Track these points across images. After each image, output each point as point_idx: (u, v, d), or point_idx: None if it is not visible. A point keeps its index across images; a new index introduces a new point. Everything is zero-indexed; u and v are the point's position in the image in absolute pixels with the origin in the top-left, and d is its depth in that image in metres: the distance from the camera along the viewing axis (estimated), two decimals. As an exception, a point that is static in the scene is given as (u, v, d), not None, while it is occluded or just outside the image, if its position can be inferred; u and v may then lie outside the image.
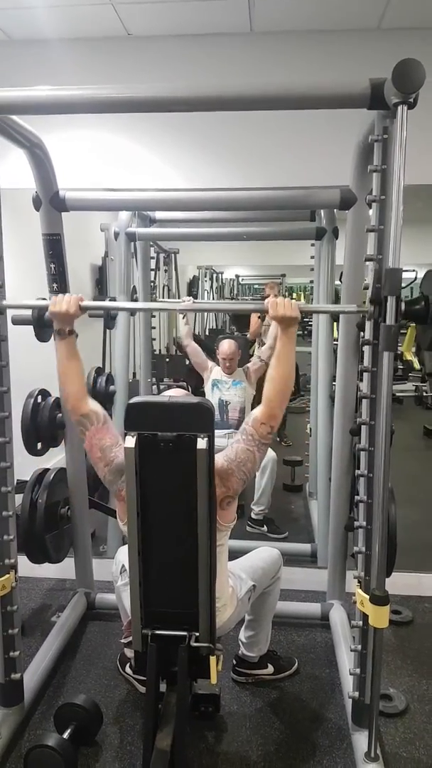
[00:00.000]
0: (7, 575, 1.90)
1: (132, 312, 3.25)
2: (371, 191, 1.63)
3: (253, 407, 3.61)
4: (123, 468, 1.75)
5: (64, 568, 2.71)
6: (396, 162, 1.45)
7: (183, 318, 3.78)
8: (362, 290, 1.94)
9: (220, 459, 1.68)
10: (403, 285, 1.49)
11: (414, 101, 1.43)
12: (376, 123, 1.58)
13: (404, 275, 1.50)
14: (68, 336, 1.82)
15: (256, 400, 3.67)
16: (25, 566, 2.29)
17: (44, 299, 1.98)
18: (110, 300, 3.21)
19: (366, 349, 1.71)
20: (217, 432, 1.60)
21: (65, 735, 1.84)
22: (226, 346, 3.53)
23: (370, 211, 1.67)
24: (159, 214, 3.38)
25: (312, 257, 3.51)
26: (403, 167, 1.44)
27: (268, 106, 1.71)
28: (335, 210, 3.01)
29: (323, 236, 3.15)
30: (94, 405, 1.81)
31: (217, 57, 2.77)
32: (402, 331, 6.50)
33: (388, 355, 1.55)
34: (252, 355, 4.62)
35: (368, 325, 1.68)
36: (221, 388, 3.59)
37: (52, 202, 2.14)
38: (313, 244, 3.46)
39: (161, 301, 4.64)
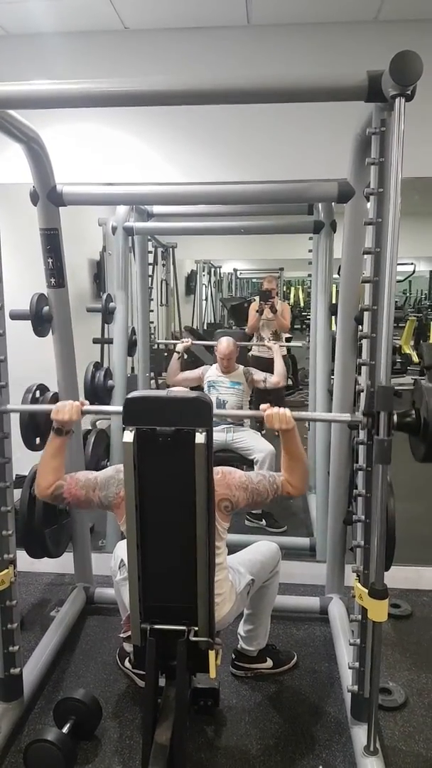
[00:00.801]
0: (6, 570, 1.90)
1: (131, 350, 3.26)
2: (369, 184, 1.62)
3: (250, 404, 3.64)
4: (109, 476, 1.82)
5: (63, 563, 2.72)
6: (394, 154, 1.44)
7: (178, 358, 3.77)
8: (360, 284, 1.94)
9: (243, 474, 1.82)
10: (401, 278, 1.50)
11: (412, 93, 1.42)
12: (373, 115, 1.57)
13: (402, 268, 1.50)
14: (65, 435, 1.89)
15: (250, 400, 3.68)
16: (25, 561, 2.29)
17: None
18: (107, 296, 3.20)
19: (364, 342, 1.71)
20: (215, 428, 1.60)
21: (64, 729, 1.85)
22: (224, 345, 3.51)
23: (368, 204, 1.66)
24: (157, 209, 3.36)
25: (310, 251, 3.50)
26: (401, 160, 1.43)
27: (265, 99, 1.70)
28: (333, 203, 3.00)
29: (321, 230, 3.14)
30: (56, 477, 1.85)
31: (214, 50, 2.76)
32: (400, 324, 6.49)
33: (382, 468, 1.59)
34: (250, 350, 4.62)
35: (366, 316, 1.68)
36: (218, 388, 3.57)
37: (49, 197, 2.13)
38: (311, 238, 3.45)
39: (159, 342, 4.67)
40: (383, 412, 1.55)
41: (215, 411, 1.65)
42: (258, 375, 3.61)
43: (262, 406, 1.85)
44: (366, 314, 1.68)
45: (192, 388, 4.10)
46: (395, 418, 1.60)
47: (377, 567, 1.63)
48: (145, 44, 2.79)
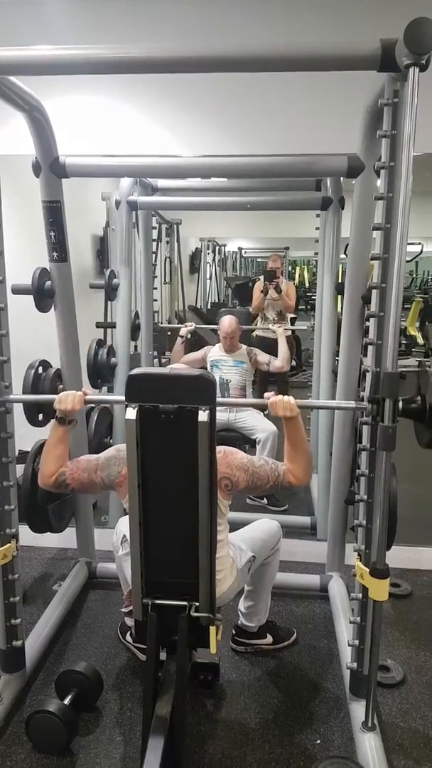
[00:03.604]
0: (9, 544, 1.91)
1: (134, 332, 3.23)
2: (380, 158, 1.58)
3: (253, 386, 3.62)
4: (110, 456, 1.83)
5: (66, 538, 2.73)
6: (406, 127, 1.40)
7: (182, 342, 3.73)
8: (368, 262, 1.91)
9: (246, 456, 1.82)
10: (409, 259, 1.47)
11: (426, 63, 1.37)
12: (386, 86, 1.52)
13: (410, 248, 1.47)
14: (68, 425, 1.88)
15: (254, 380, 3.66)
16: (27, 535, 2.30)
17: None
18: (111, 272, 3.17)
19: (371, 321, 1.69)
20: (218, 408, 1.59)
21: (66, 701, 1.87)
22: (226, 323, 3.47)
23: (379, 180, 1.62)
24: (161, 183, 3.30)
25: (317, 228, 3.45)
26: (413, 132, 1.39)
27: (274, 67, 1.64)
28: (342, 179, 2.94)
29: (329, 206, 3.08)
30: (59, 466, 1.85)
31: (221, 16, 2.67)
32: (406, 306, 6.43)
33: (386, 455, 1.57)
34: (254, 332, 4.58)
35: (374, 293, 1.65)
36: (221, 367, 3.55)
37: (52, 168, 2.09)
38: (318, 215, 3.40)
39: (163, 326, 4.61)
40: (388, 399, 1.53)
41: (219, 399, 1.63)
42: (262, 357, 3.58)
43: (267, 394, 1.84)
44: (374, 293, 1.65)
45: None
46: (400, 404, 1.57)
47: (379, 546, 1.63)
48: (150, 10, 2.70)
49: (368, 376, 1.70)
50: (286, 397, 1.79)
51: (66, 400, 1.85)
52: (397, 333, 1.51)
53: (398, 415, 1.56)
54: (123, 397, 1.53)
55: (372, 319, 1.68)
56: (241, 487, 1.80)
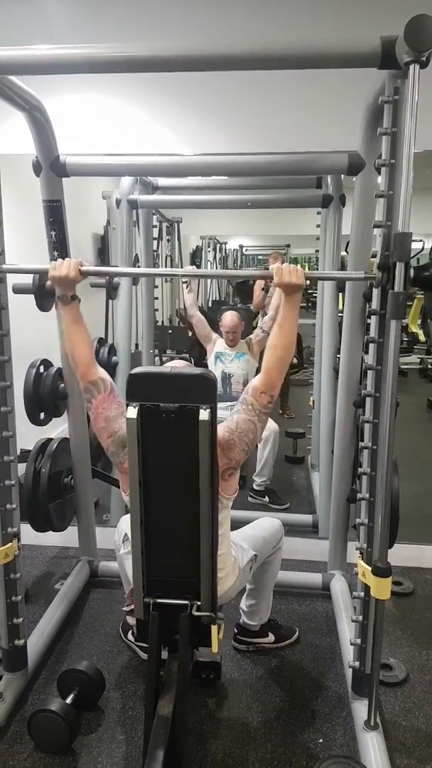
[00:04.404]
0: (11, 543, 1.91)
1: (134, 281, 3.19)
2: (380, 155, 1.57)
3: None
4: (126, 440, 1.76)
5: (68, 537, 2.73)
6: (407, 124, 1.39)
7: (187, 287, 3.72)
8: (370, 259, 1.90)
9: (221, 430, 1.66)
10: (410, 256, 1.46)
11: (427, 60, 1.37)
12: (386, 83, 1.52)
13: (411, 245, 1.46)
14: (71, 302, 1.79)
15: (259, 371, 3.65)
16: (29, 534, 2.30)
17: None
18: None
19: (373, 319, 1.68)
20: (220, 404, 1.58)
21: (68, 700, 1.87)
22: (228, 318, 3.50)
23: (379, 178, 1.62)
24: (162, 182, 3.30)
25: (318, 226, 3.44)
26: (414, 129, 1.39)
27: (274, 65, 1.64)
28: (342, 176, 2.94)
29: (330, 204, 3.08)
30: (102, 373, 1.79)
31: (220, 14, 2.66)
32: (407, 303, 6.42)
33: (395, 324, 1.50)
34: (255, 327, 4.58)
35: (375, 293, 1.64)
36: (224, 360, 3.56)
37: (52, 167, 2.09)
38: (319, 213, 3.39)
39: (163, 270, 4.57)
40: (400, 263, 1.45)
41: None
42: (255, 334, 3.59)
43: (273, 266, 1.70)
44: (375, 290, 1.64)
45: (196, 361, 4.09)
46: (412, 272, 1.50)
47: (381, 545, 1.63)
48: (149, 8, 2.70)
49: (378, 239, 1.60)
50: (293, 265, 1.66)
51: (61, 266, 1.74)
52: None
53: (410, 282, 1.48)
54: (118, 269, 1.47)
55: (372, 317, 1.67)
56: (243, 458, 1.72)
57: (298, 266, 1.66)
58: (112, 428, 1.73)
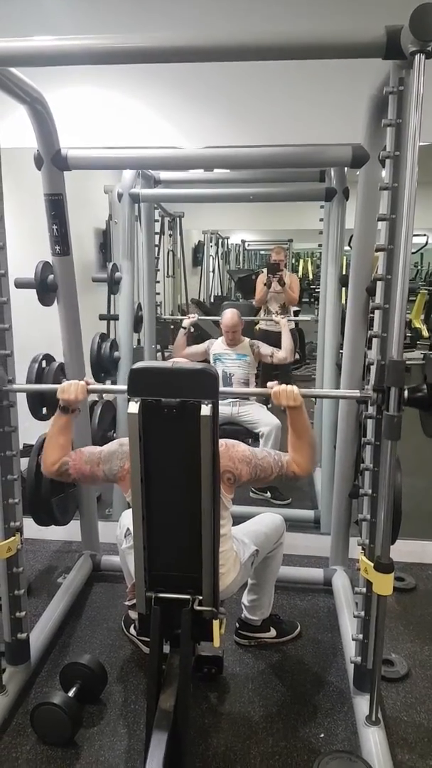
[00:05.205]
0: (13, 537, 1.91)
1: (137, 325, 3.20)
2: (385, 148, 1.56)
3: (256, 379, 3.61)
4: (113, 450, 1.82)
5: (70, 531, 2.74)
6: (412, 115, 1.38)
7: (185, 334, 3.72)
8: (374, 254, 1.88)
9: (248, 448, 1.81)
10: (413, 250, 1.45)
11: (432, 50, 1.35)
12: (391, 74, 1.50)
13: (414, 240, 1.45)
14: (71, 413, 1.88)
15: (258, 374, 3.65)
16: (32, 528, 2.31)
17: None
18: (113, 266, 3.16)
19: (376, 313, 1.67)
20: (220, 401, 1.58)
21: (70, 693, 1.88)
22: (228, 317, 3.46)
23: (383, 170, 1.60)
24: (164, 175, 3.28)
25: (321, 220, 3.42)
26: (419, 120, 1.37)
27: (276, 55, 1.62)
28: (346, 169, 2.92)
29: (333, 197, 3.05)
30: (61, 455, 1.85)
31: (222, 4, 2.64)
32: (411, 298, 6.40)
33: (390, 444, 1.56)
34: (257, 324, 4.56)
35: (379, 285, 1.63)
36: (224, 360, 3.54)
37: (53, 161, 2.07)
38: (322, 206, 3.37)
39: (165, 317, 4.64)
40: (394, 387, 1.51)
41: (222, 389, 1.61)
42: (265, 349, 3.57)
43: (270, 384, 1.83)
44: (379, 284, 1.63)
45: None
46: (406, 393, 1.56)
47: (383, 541, 1.62)
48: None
49: (373, 367, 1.68)
50: (289, 387, 1.78)
51: (69, 389, 1.85)
52: (403, 323, 1.49)
53: (404, 404, 1.54)
54: (125, 387, 1.52)
55: (377, 311, 1.66)
56: (244, 480, 1.79)
57: (294, 388, 1.77)
58: (96, 459, 1.82)
